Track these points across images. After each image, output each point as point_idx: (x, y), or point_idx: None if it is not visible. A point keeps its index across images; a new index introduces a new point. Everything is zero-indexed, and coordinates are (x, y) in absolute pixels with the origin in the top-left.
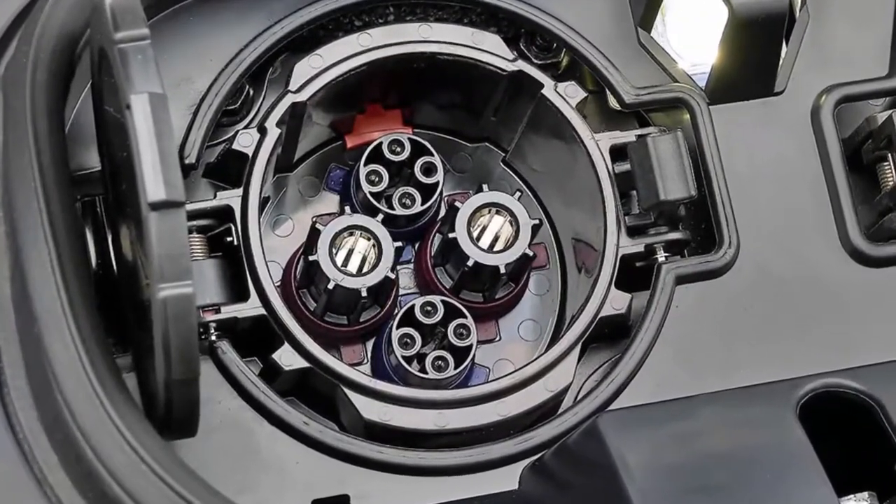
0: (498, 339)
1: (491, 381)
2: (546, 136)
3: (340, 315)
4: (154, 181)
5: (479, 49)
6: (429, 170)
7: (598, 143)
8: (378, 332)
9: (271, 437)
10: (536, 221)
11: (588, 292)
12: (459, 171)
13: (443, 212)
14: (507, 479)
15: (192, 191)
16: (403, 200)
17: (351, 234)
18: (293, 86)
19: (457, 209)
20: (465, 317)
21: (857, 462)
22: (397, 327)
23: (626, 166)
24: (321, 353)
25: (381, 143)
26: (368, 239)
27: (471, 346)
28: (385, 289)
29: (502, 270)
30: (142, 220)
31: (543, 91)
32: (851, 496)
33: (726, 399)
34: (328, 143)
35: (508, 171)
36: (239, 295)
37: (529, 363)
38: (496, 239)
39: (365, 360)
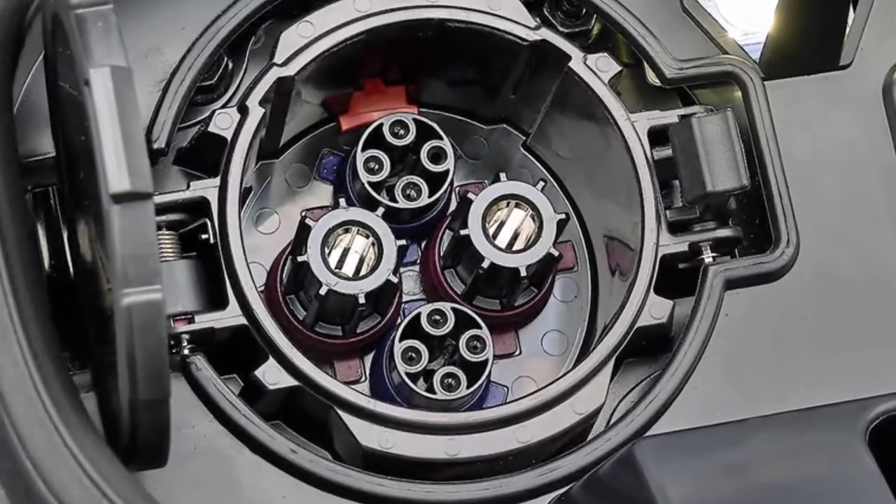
0: (518, 353)
1: (510, 402)
2: (574, 116)
3: (334, 325)
4: (117, 169)
5: (496, 15)
6: (437, 156)
7: (635, 125)
8: (378, 345)
9: (254, 467)
10: (562, 216)
11: (623, 299)
12: (473, 158)
13: (453, 205)
14: None
15: (161, 180)
16: (408, 192)
17: (346, 230)
18: (279, 58)
19: (470, 202)
20: (480, 327)
21: None
22: (400, 339)
23: (667, 152)
24: (311, 370)
25: (381, 125)
26: (367, 236)
27: (486, 361)
28: (386, 295)
29: (523, 273)
30: (103, 214)
31: (570, 64)
32: None
33: (783, 423)
34: (320, 125)
35: (530, 157)
36: (216, 302)
37: (554, 381)
38: (516, 236)
39: (363, 378)
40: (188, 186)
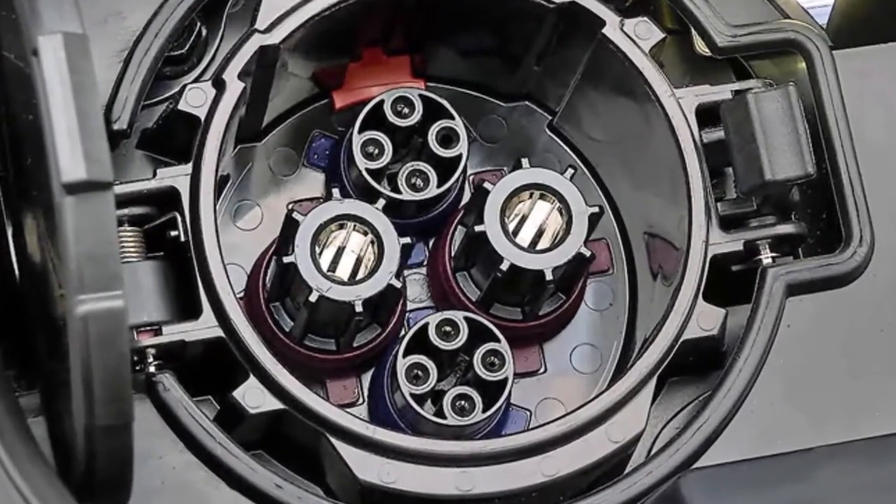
0: (542, 370)
1: (533, 428)
2: (608, 92)
3: (326, 338)
4: (70, 154)
5: None
6: (448, 138)
7: (681, 102)
8: (378, 362)
9: None
10: (595, 209)
11: (666, 307)
12: (490, 141)
13: (467, 196)
14: None
15: (122, 167)
16: (413, 180)
17: (341, 226)
18: (261, 23)
19: (486, 193)
20: (498, 340)
21: None
22: (404, 355)
23: (718, 133)
24: (300, 391)
25: (381, 103)
26: (365, 233)
27: (505, 380)
28: (387, 302)
29: (548, 276)
30: (54, 207)
31: (604, 30)
32: None
33: (856, 453)
34: (310, 103)
35: (556, 140)
36: (187, 310)
37: (586, 404)
38: (540, 233)
39: (360, 400)
40: (154, 174)
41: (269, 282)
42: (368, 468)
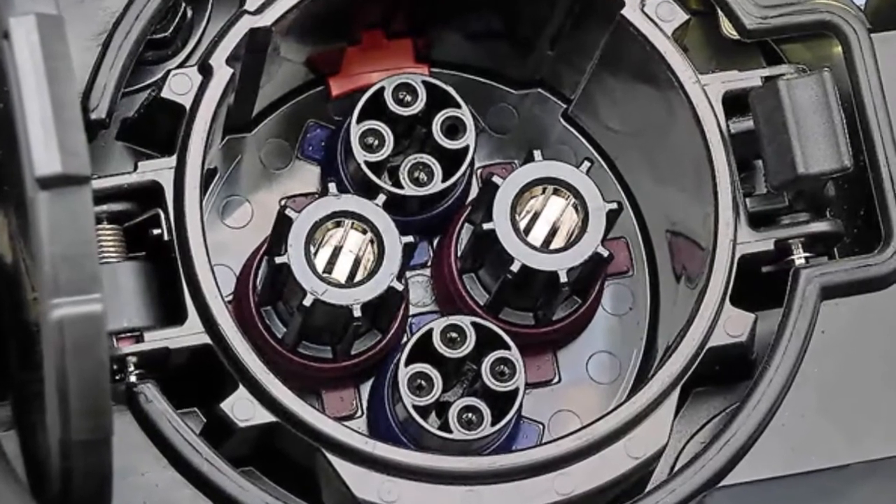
0: (557, 380)
1: (546, 443)
2: (628, 78)
3: (322, 345)
4: (45, 146)
5: None
6: (453, 128)
7: (706, 89)
8: (378, 371)
9: None
10: (614, 206)
11: (691, 311)
12: (499, 131)
13: (474, 191)
14: None
15: (101, 160)
16: (416, 174)
17: (338, 224)
18: (251, 4)
19: (495, 187)
20: (508, 348)
21: None
22: (407, 363)
23: (747, 123)
24: (293, 402)
25: (382, 90)
26: (364, 231)
27: (516, 391)
28: (388, 306)
29: (563, 278)
30: (26, 203)
31: (623, 11)
32: None
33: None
34: (304, 90)
35: (572, 130)
36: (171, 315)
37: (603, 417)
38: (554, 231)
39: (359, 412)
40: (135, 168)
41: (259, 284)
42: (367, 486)
